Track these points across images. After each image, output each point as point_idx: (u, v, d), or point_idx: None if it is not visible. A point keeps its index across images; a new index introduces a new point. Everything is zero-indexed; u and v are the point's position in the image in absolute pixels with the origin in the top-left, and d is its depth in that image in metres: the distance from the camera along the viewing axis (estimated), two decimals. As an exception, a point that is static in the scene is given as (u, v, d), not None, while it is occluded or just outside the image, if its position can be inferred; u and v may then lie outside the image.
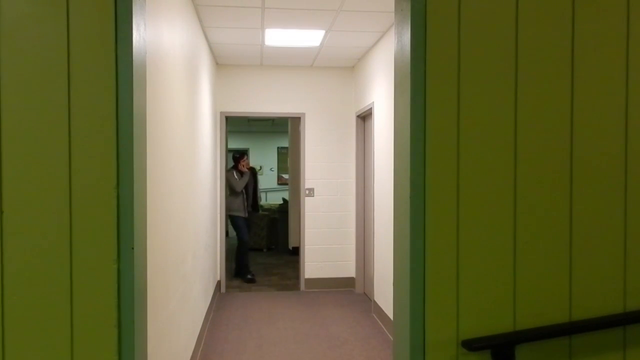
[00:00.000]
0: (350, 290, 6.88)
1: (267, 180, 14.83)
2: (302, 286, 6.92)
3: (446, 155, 1.71)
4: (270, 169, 15.17)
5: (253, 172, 7.96)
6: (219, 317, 5.71)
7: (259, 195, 8.48)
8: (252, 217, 8.40)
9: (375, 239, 5.86)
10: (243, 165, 7.38)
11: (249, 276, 7.34)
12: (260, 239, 9.62)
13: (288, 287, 7.06)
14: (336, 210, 6.93)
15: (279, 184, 14.94)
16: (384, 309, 5.39)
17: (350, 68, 6.93)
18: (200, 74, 4.88)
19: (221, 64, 6.74)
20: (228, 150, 7.64)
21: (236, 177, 7.25)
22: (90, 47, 1.55)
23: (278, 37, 5.43)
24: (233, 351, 4.68)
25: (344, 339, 5.02)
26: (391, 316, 4.88)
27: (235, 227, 7.34)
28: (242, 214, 7.29)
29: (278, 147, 14.96)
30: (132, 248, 1.58)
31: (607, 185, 1.79)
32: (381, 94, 5.50)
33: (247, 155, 7.83)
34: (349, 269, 6.99)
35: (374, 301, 5.83)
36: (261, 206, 9.76)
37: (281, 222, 9.56)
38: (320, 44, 5.71)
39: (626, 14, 1.79)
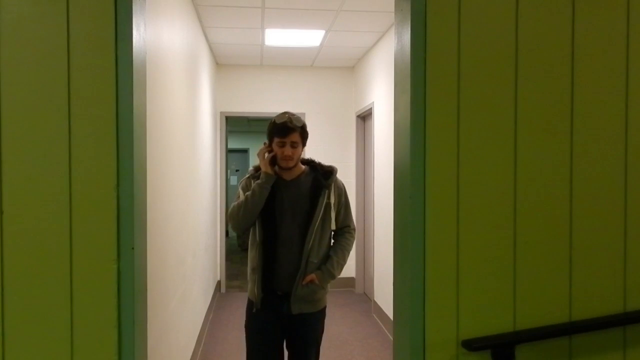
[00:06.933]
0: (350, 290, 6.88)
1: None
2: (302, 286, 6.90)
3: (446, 155, 1.71)
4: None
5: (317, 182, 2.71)
6: (219, 317, 5.71)
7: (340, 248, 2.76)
8: (290, 316, 2.68)
9: (375, 239, 5.86)
10: (265, 151, 2.72)
11: None
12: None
13: (288, 287, 7.06)
14: (336, 210, 6.91)
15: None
16: (384, 309, 5.39)
17: (350, 68, 6.92)
18: (200, 74, 4.88)
19: (221, 64, 6.74)
20: (228, 150, 7.32)
21: (241, 191, 2.73)
22: (90, 47, 1.55)
23: (278, 37, 5.43)
24: (233, 351, 4.68)
25: (344, 339, 5.01)
26: (391, 316, 4.88)
27: None
28: (250, 294, 2.75)
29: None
30: (132, 248, 1.58)
31: (607, 185, 1.79)
32: (381, 94, 5.50)
33: (279, 129, 2.65)
34: (349, 269, 6.99)
35: (374, 301, 5.82)
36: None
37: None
38: (320, 44, 5.71)
39: (626, 13, 1.79)
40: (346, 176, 6.86)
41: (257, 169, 2.76)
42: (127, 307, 1.58)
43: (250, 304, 2.76)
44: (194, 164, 4.39)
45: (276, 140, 2.66)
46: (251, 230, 2.72)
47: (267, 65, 6.78)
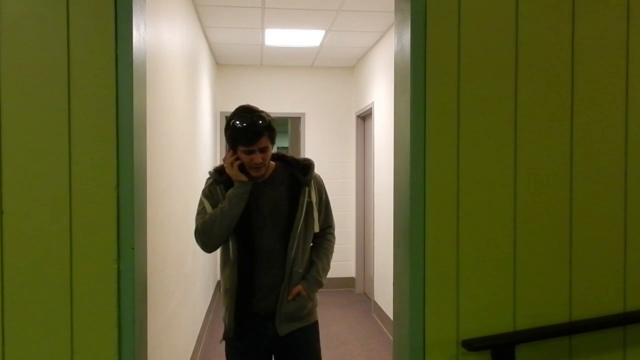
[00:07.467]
0: (350, 290, 6.88)
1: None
2: (302, 286, 6.90)
3: (446, 155, 1.71)
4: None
5: (294, 179, 2.33)
6: (219, 317, 5.70)
7: (321, 260, 2.56)
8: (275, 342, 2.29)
9: (375, 239, 5.86)
10: (233, 161, 2.24)
11: None
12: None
13: (288, 287, 7.05)
14: (336, 210, 6.84)
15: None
16: (384, 309, 5.39)
17: (350, 68, 6.92)
18: (200, 74, 4.88)
19: (221, 64, 6.74)
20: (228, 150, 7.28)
21: (206, 200, 2.30)
22: (90, 47, 1.55)
23: (278, 37, 5.43)
24: (233, 351, 4.67)
25: (344, 339, 5.01)
26: (391, 316, 4.88)
27: None
28: (227, 321, 2.32)
29: (278, 147, 14.97)
30: (132, 248, 1.58)
31: (607, 185, 1.79)
32: (381, 94, 5.50)
33: (256, 127, 2.19)
34: (349, 269, 6.98)
35: (374, 301, 5.82)
36: None
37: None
38: (320, 44, 5.71)
39: (626, 13, 1.79)
40: (346, 176, 6.87)
41: (219, 172, 2.30)
42: (127, 307, 1.58)
43: (225, 333, 2.32)
44: (194, 164, 4.39)
45: (241, 148, 2.17)
46: (222, 246, 2.31)
47: (267, 65, 6.78)
